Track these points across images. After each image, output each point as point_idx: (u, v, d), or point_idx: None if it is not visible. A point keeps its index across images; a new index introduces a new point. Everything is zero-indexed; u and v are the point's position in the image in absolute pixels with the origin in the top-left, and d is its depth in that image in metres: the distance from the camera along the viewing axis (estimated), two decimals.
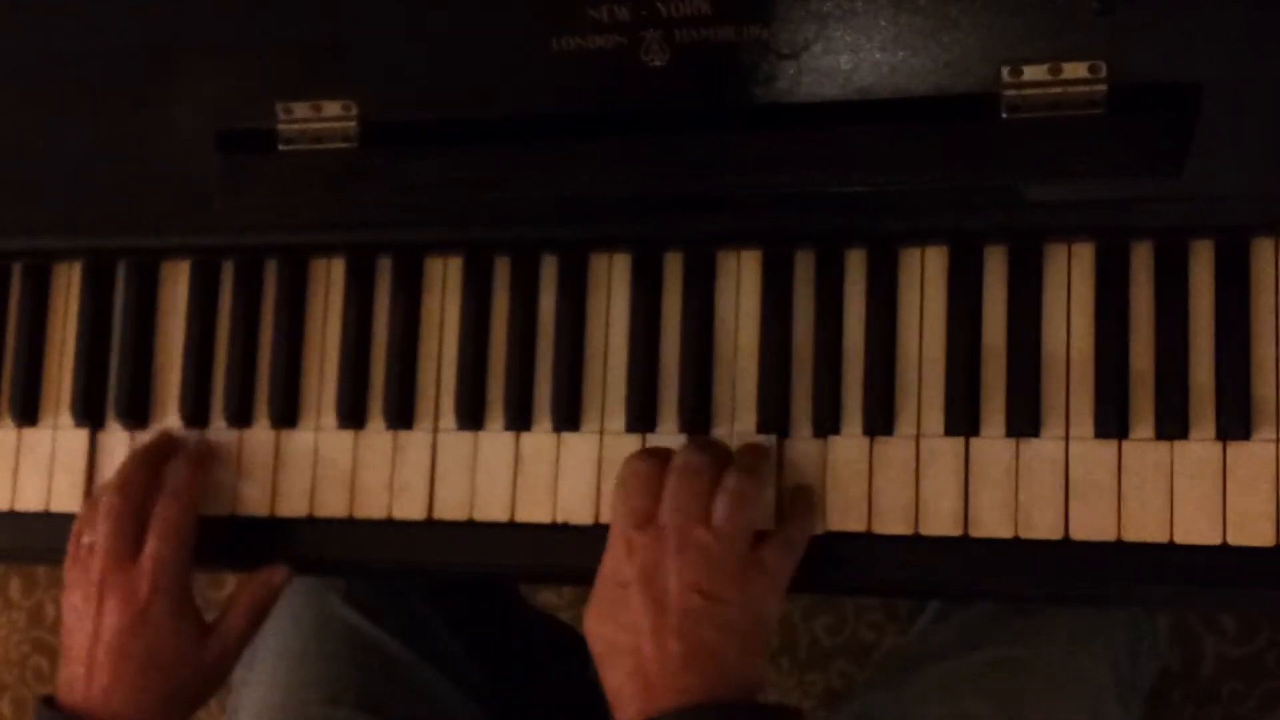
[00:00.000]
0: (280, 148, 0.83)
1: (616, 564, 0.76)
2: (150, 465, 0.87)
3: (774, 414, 0.83)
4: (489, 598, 1.08)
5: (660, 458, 0.78)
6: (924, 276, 0.82)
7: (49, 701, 0.84)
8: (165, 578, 0.84)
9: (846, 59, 0.75)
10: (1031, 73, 0.73)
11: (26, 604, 1.83)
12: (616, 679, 0.75)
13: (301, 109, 0.83)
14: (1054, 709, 0.86)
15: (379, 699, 0.95)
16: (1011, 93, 0.74)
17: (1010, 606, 0.92)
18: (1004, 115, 0.74)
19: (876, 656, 1.59)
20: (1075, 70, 0.73)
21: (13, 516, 0.94)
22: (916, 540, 0.81)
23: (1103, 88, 0.73)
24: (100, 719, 0.82)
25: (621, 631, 0.75)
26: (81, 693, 0.83)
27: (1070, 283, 0.80)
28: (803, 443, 0.83)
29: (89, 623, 0.84)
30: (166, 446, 0.89)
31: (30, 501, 0.93)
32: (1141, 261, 0.79)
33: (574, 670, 1.12)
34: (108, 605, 0.83)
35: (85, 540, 0.86)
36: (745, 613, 0.74)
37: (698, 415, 0.84)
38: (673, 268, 0.86)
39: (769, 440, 0.83)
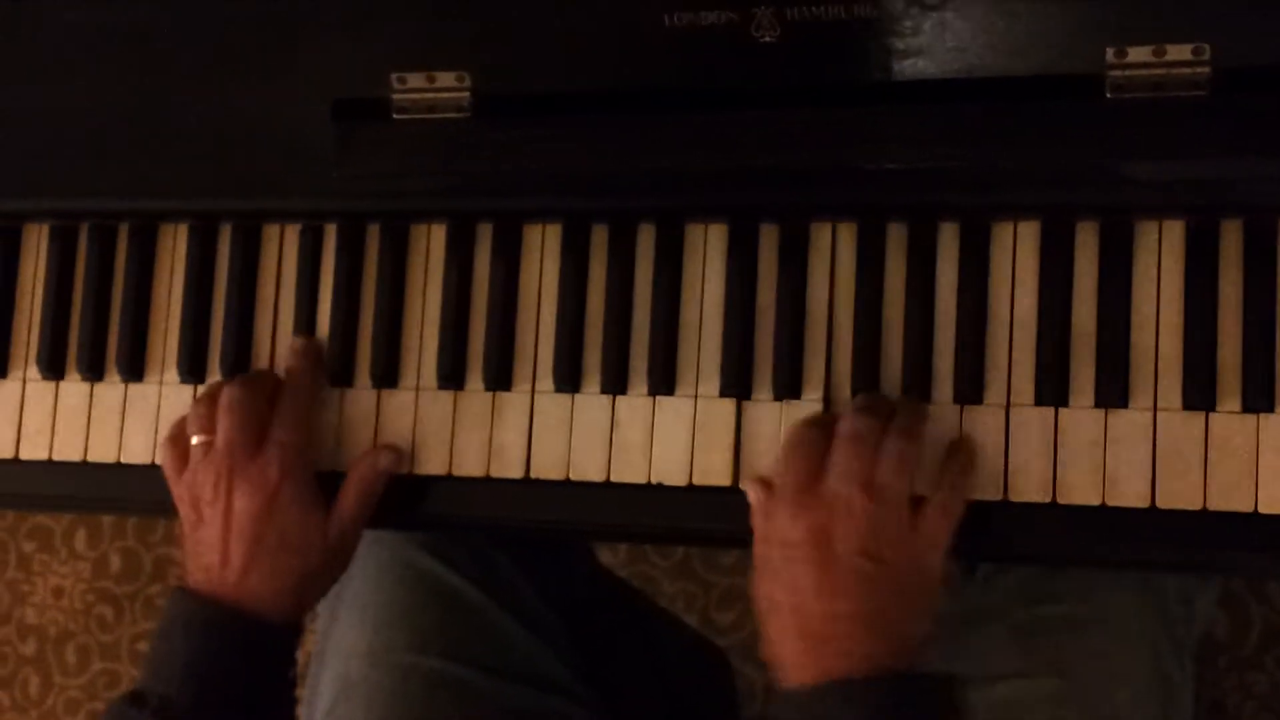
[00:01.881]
0: (395, 117, 0.86)
1: (782, 526, 0.78)
2: (268, 371, 0.92)
3: (866, 381, 0.86)
4: (566, 554, 1.10)
5: (826, 425, 0.80)
6: (1016, 250, 0.84)
7: (185, 592, 0.87)
8: (292, 463, 0.87)
9: (953, 39, 0.77)
10: (1136, 54, 0.75)
11: (92, 555, 1.87)
12: (780, 638, 0.77)
13: (416, 79, 0.85)
14: (1112, 667, 0.89)
15: (462, 647, 0.97)
16: (1116, 73, 0.76)
17: None
18: (1108, 95, 0.76)
19: None
20: (1179, 52, 0.75)
21: (120, 469, 0.96)
22: (1006, 506, 0.83)
23: (1206, 70, 0.75)
24: (237, 603, 0.85)
25: (787, 591, 0.77)
26: (218, 580, 0.86)
27: (1160, 258, 0.82)
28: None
29: (219, 514, 0.86)
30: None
31: (138, 455, 0.96)
32: (1231, 239, 0.81)
33: (641, 628, 1.16)
34: (237, 494, 0.86)
35: (199, 439, 0.88)
36: (909, 575, 0.76)
37: (791, 381, 0.86)
38: (767, 238, 0.88)
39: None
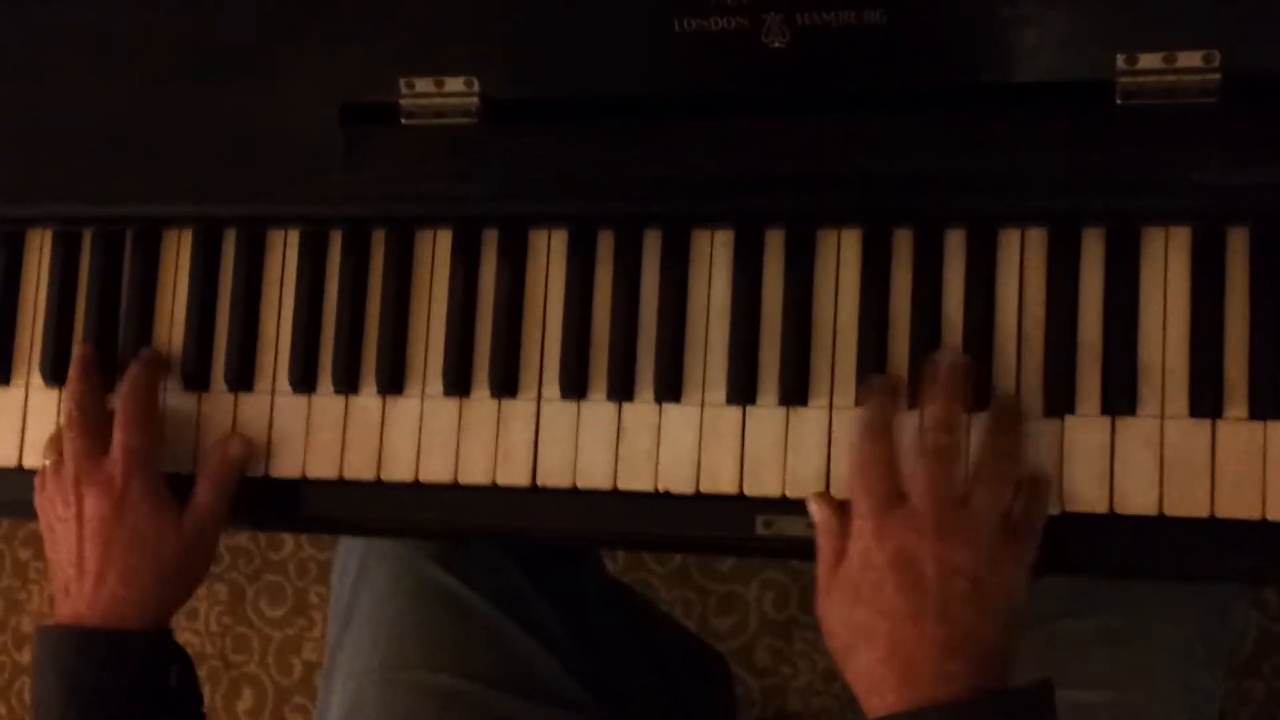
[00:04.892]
0: (403, 122, 0.86)
1: (867, 549, 0.76)
2: (87, 373, 0.93)
3: None
4: (576, 563, 1.10)
5: (885, 431, 0.78)
6: (1023, 256, 0.84)
7: (46, 628, 0.88)
8: (137, 462, 0.88)
9: (963, 45, 0.77)
10: (1147, 60, 0.76)
11: None
12: (868, 665, 0.75)
13: (424, 84, 0.85)
14: (1152, 679, 0.89)
15: (476, 663, 0.97)
16: (1126, 80, 0.76)
17: None
18: (1118, 102, 0.76)
19: None
20: (1190, 59, 0.75)
21: None
22: None
23: (1216, 76, 0.75)
24: (100, 615, 0.86)
25: (876, 616, 0.75)
26: (76, 594, 0.87)
27: (1167, 265, 0.83)
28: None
29: (72, 523, 0.88)
30: (89, 358, 0.94)
31: None
32: (1238, 246, 0.82)
33: (645, 635, 1.15)
34: (87, 499, 0.88)
35: (47, 462, 0.91)
36: (1002, 594, 0.75)
37: (797, 388, 0.86)
38: (773, 244, 0.88)
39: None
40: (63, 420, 0.91)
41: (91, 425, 0.90)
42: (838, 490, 0.83)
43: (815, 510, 0.81)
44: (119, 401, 0.91)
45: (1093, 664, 0.89)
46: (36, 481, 0.92)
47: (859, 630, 0.76)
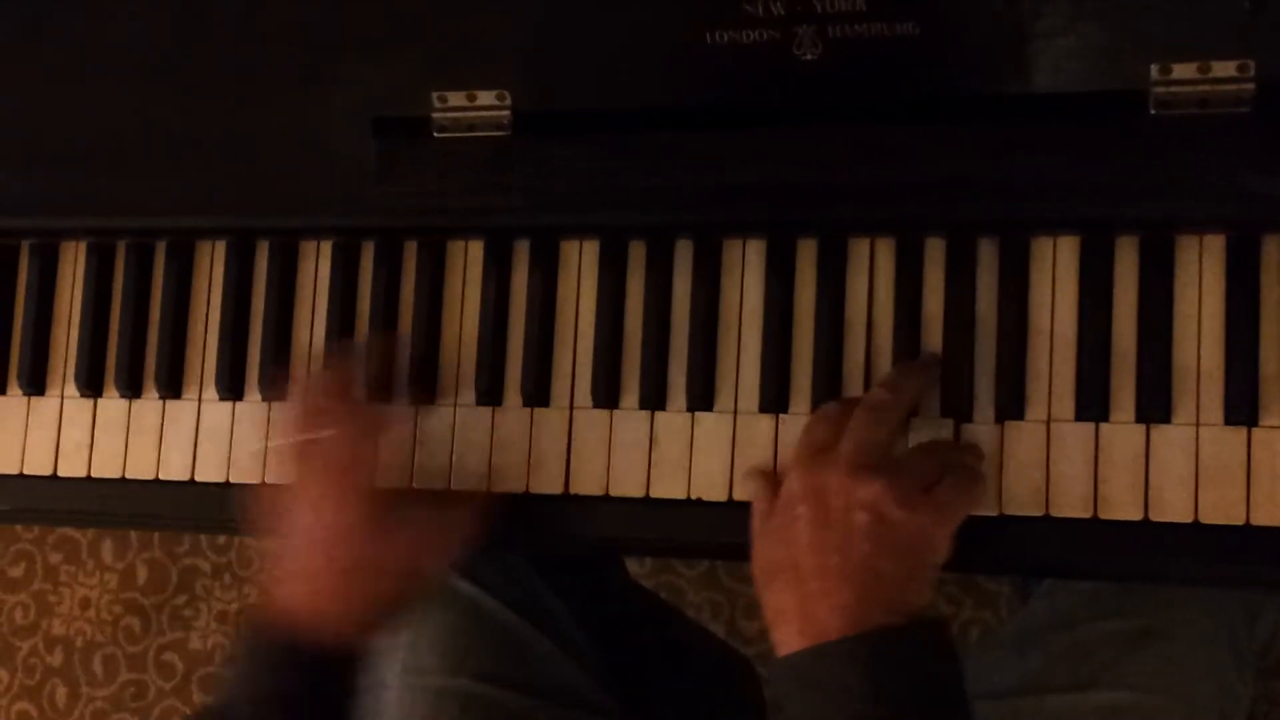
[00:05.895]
0: (435, 135, 0.86)
1: (790, 488, 0.78)
2: (337, 373, 0.90)
3: None
4: (596, 569, 1.10)
5: (847, 402, 0.81)
6: (1056, 265, 0.84)
7: (252, 618, 0.86)
8: (359, 481, 0.85)
9: (995, 56, 0.77)
10: (1180, 70, 0.75)
11: (119, 566, 1.88)
12: (775, 596, 0.77)
13: (456, 98, 0.86)
14: (1170, 682, 0.89)
15: (496, 668, 0.97)
16: (1160, 90, 0.76)
17: None
18: (1153, 111, 0.76)
19: (955, 627, 1.61)
20: (1224, 69, 0.75)
21: (158, 485, 0.97)
22: (1047, 521, 0.83)
23: (1251, 86, 0.75)
24: (308, 615, 0.83)
25: (784, 547, 0.77)
26: (285, 595, 0.84)
27: (1201, 273, 0.82)
28: (931, 424, 0.85)
29: (326, 510, 0.84)
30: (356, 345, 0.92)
31: (176, 471, 0.96)
32: (1273, 253, 0.81)
33: (668, 638, 1.16)
34: (302, 514, 0.85)
35: (282, 451, 0.87)
36: (909, 537, 0.75)
37: (829, 397, 0.86)
38: (805, 253, 0.88)
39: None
40: (291, 415, 0.88)
41: (348, 415, 0.87)
42: None
43: (748, 480, 0.83)
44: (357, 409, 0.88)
45: (1120, 666, 0.89)
46: (273, 458, 0.89)
47: (771, 566, 0.78)
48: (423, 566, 0.89)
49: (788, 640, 0.76)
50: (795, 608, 0.75)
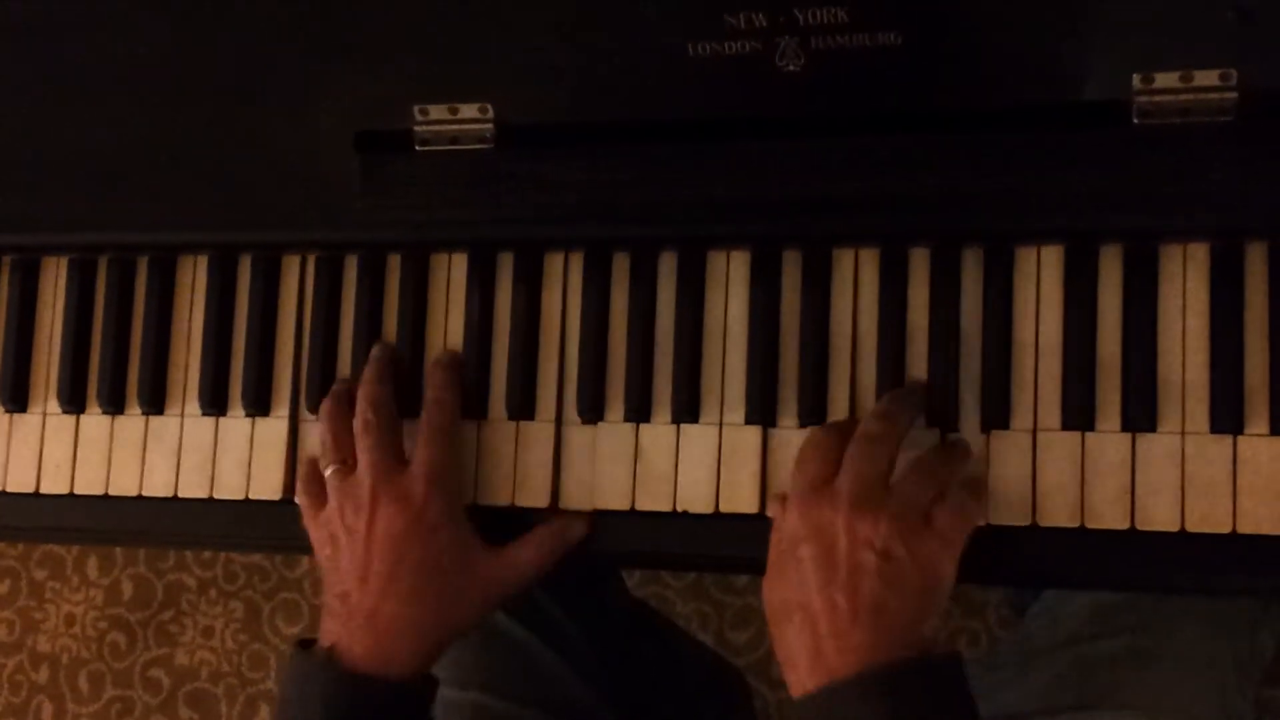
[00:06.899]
0: (417, 148, 0.86)
1: (791, 527, 0.78)
2: (387, 379, 0.88)
3: None
4: (597, 583, 1.10)
5: (839, 430, 0.80)
6: (1040, 275, 0.84)
7: (307, 653, 0.83)
8: (439, 479, 0.84)
9: (979, 67, 0.77)
10: (1163, 80, 0.75)
11: (104, 582, 1.87)
12: (786, 638, 0.76)
13: (438, 111, 0.85)
14: (1182, 700, 0.88)
15: (504, 683, 0.97)
16: (1143, 99, 0.76)
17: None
18: (1135, 121, 0.76)
19: (943, 635, 1.61)
20: (1206, 78, 0.75)
21: (141, 501, 0.96)
22: (1034, 531, 0.83)
23: (1233, 95, 0.75)
24: (374, 631, 0.81)
25: (791, 589, 0.76)
26: (355, 604, 0.82)
27: (1185, 281, 0.82)
28: (918, 435, 0.85)
29: (360, 535, 0.83)
30: (390, 355, 0.90)
31: (159, 487, 0.96)
32: (1257, 261, 0.81)
33: (667, 653, 1.16)
34: (381, 511, 0.83)
35: (334, 469, 0.86)
36: (916, 571, 0.75)
37: (815, 408, 0.86)
38: (790, 264, 0.88)
39: None
40: (357, 425, 0.86)
41: (389, 434, 0.86)
42: None
43: (772, 507, 0.83)
44: (425, 413, 0.87)
45: (1123, 685, 0.89)
46: (307, 499, 0.87)
47: (781, 607, 0.77)
48: (500, 580, 0.86)
49: (801, 682, 0.75)
50: (807, 650, 0.75)
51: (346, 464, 0.86)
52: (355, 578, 0.83)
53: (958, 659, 0.76)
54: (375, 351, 0.91)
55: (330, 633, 0.84)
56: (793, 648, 0.76)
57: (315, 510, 0.87)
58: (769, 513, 0.82)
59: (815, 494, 0.77)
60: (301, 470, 0.89)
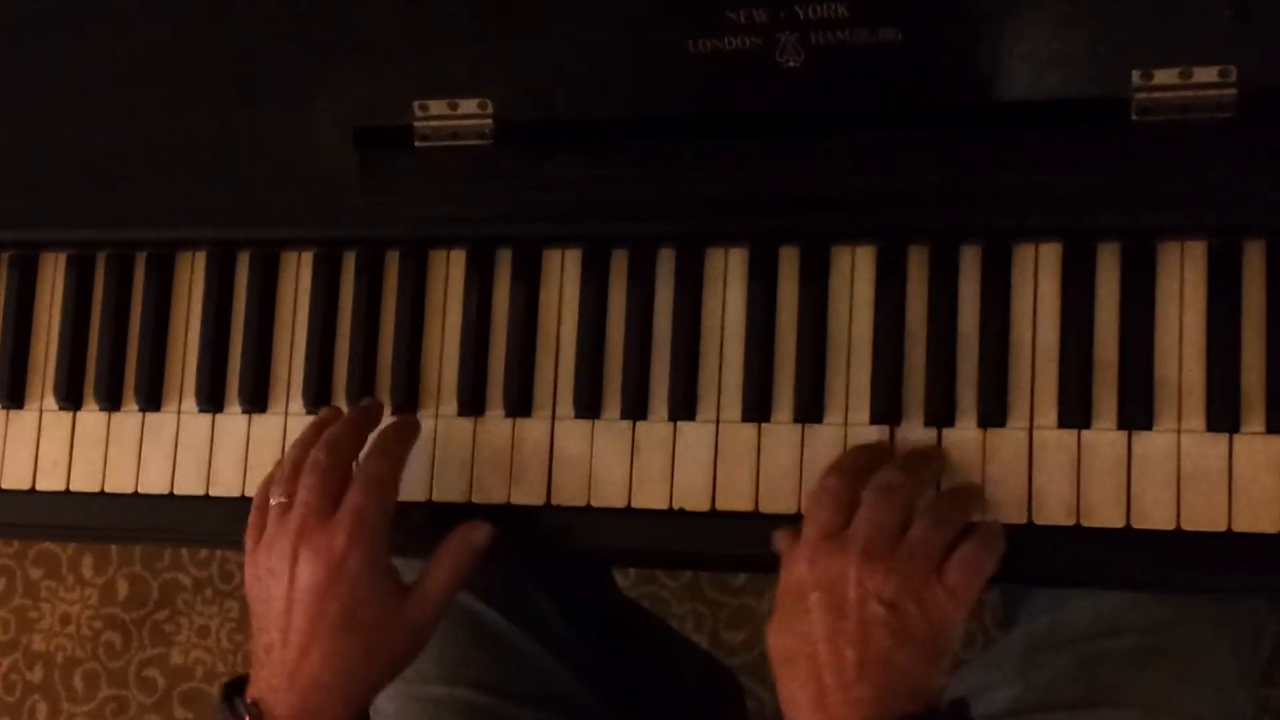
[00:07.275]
0: (417, 144, 0.86)
1: (800, 574, 0.76)
2: (358, 429, 0.86)
3: (887, 405, 0.85)
4: (590, 580, 1.10)
5: (853, 474, 0.79)
6: (1038, 272, 0.84)
7: (233, 693, 0.82)
8: (363, 531, 0.81)
9: (979, 63, 0.77)
10: (1162, 76, 0.76)
11: (99, 581, 1.87)
12: (791, 688, 0.75)
13: (438, 107, 0.85)
14: (1185, 699, 0.88)
15: (494, 679, 0.97)
16: (1142, 96, 0.76)
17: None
18: (1134, 118, 0.76)
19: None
20: (1206, 74, 0.75)
21: (138, 499, 0.96)
22: (1030, 529, 0.83)
23: (1232, 91, 0.75)
24: (296, 692, 0.80)
25: (798, 639, 0.75)
26: (277, 662, 0.81)
27: (1183, 279, 0.82)
28: (914, 433, 0.85)
29: (283, 582, 0.81)
30: (375, 413, 0.88)
31: (155, 484, 0.96)
32: (1254, 259, 0.81)
33: (660, 652, 1.15)
34: (302, 561, 0.80)
35: (277, 500, 0.83)
36: (925, 626, 0.74)
37: (812, 405, 0.86)
38: (788, 261, 0.88)
39: (882, 432, 0.85)
40: (307, 462, 0.83)
41: (333, 480, 0.82)
42: None
43: (779, 542, 0.81)
44: (364, 458, 0.84)
45: (1124, 684, 0.89)
46: (251, 526, 0.85)
47: (787, 652, 0.76)
48: (423, 627, 0.85)
49: None
50: (811, 700, 0.74)
51: (291, 499, 0.83)
52: (278, 630, 0.81)
53: (964, 708, 0.75)
54: (366, 401, 0.90)
55: (258, 683, 0.82)
56: (796, 695, 0.75)
57: (254, 542, 0.84)
58: (778, 546, 0.81)
59: (827, 542, 0.76)
60: (256, 496, 0.86)
